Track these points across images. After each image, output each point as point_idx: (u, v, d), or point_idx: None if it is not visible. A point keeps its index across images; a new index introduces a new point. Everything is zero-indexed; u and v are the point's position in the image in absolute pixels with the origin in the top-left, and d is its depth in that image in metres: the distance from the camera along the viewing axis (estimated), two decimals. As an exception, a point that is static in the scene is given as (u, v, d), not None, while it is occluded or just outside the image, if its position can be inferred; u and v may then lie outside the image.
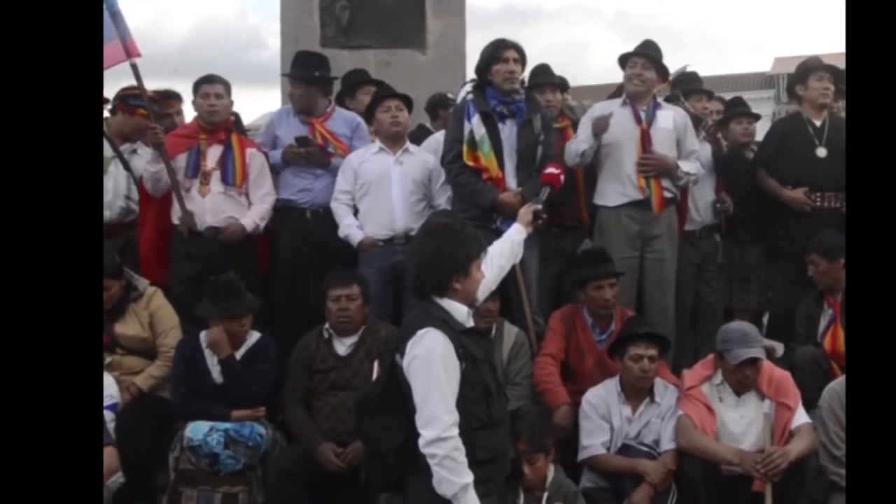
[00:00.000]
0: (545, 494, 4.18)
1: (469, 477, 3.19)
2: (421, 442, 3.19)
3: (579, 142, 5.42)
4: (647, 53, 5.50)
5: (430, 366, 3.21)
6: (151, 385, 4.95)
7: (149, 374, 4.98)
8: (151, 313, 5.08)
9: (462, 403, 3.24)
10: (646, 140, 5.42)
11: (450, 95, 6.58)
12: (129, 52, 5.42)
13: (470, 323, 3.40)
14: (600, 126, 5.38)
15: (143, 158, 5.73)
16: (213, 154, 5.56)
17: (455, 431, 3.19)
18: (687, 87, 6.34)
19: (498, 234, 4.65)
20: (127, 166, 5.82)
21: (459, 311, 3.36)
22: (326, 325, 4.86)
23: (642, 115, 5.46)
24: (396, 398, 3.31)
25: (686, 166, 5.50)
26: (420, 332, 3.25)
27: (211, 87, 5.60)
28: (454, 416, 3.19)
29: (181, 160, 5.55)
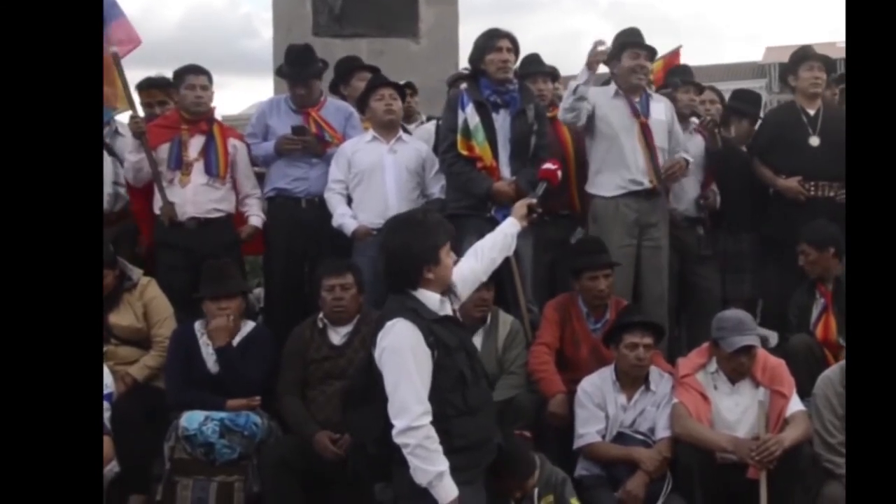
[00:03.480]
0: (535, 491, 4.18)
1: (443, 465, 3.24)
2: (394, 432, 3.25)
3: (571, 83, 5.28)
4: (648, 45, 5.49)
5: (399, 356, 3.27)
6: (146, 375, 4.94)
7: (144, 363, 4.97)
8: (146, 304, 5.07)
9: (436, 392, 3.30)
10: (647, 133, 5.41)
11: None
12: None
13: (444, 311, 3.43)
14: (597, 56, 5.17)
15: (127, 138, 5.68)
16: (196, 145, 5.56)
17: (425, 420, 3.24)
18: (678, 78, 6.34)
19: (492, 222, 4.68)
20: (111, 151, 5.79)
21: (431, 299, 3.41)
22: (320, 315, 4.84)
23: (638, 107, 5.45)
24: (377, 389, 3.35)
25: (688, 156, 5.58)
26: (389, 324, 3.32)
27: (197, 78, 5.60)
28: (424, 406, 3.25)
29: (163, 151, 5.53)
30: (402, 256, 3.43)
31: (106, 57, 5.39)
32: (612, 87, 5.50)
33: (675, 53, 8.06)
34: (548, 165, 4.49)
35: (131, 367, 4.95)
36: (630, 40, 5.50)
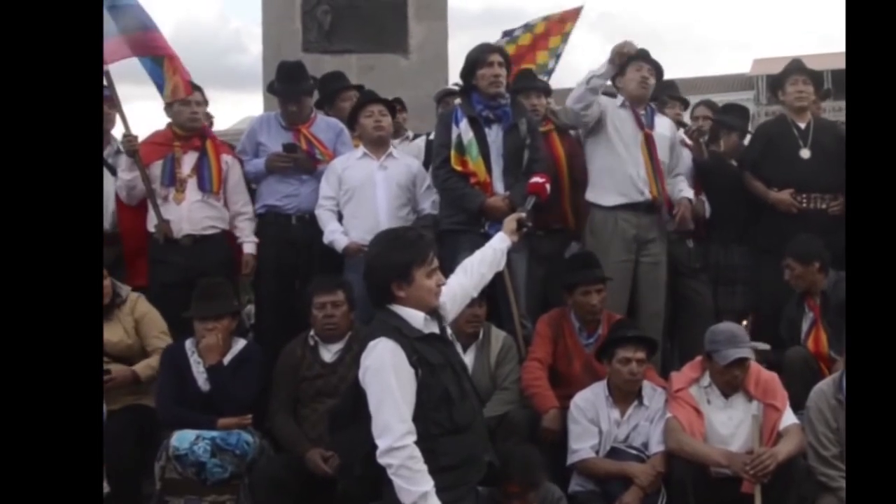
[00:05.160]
0: None
1: (427, 485, 3.22)
2: (377, 452, 3.24)
3: (592, 75, 5.24)
4: (654, 60, 5.52)
5: (382, 376, 3.26)
6: (149, 375, 4.91)
7: (147, 364, 4.94)
8: (137, 319, 5.04)
9: (420, 410, 3.28)
10: (651, 145, 5.43)
11: None
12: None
13: (429, 329, 3.41)
14: (627, 49, 5.20)
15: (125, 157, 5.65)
16: (189, 161, 5.55)
17: (409, 440, 3.23)
18: (664, 93, 6.35)
19: (486, 237, 4.65)
20: (114, 171, 5.77)
21: (415, 317, 3.38)
22: (312, 332, 4.82)
23: (643, 119, 5.48)
24: (363, 409, 3.33)
25: (687, 192, 5.63)
26: (371, 344, 3.32)
27: (192, 94, 5.59)
28: (407, 425, 3.24)
29: (156, 168, 5.52)
30: (374, 270, 3.44)
31: (169, 50, 5.49)
32: (620, 98, 5.53)
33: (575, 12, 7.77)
34: (536, 179, 4.49)
35: (135, 364, 4.92)
36: (641, 55, 5.53)
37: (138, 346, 5.03)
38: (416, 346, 3.31)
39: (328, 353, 4.77)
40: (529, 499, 4.10)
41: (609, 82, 5.54)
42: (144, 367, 4.93)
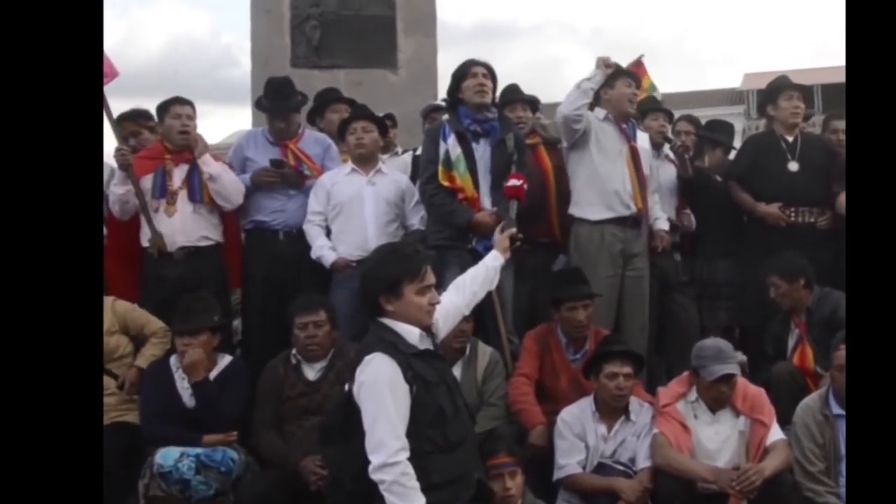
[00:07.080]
0: None
1: (419, 501, 3.22)
2: (370, 468, 3.23)
3: (582, 80, 5.29)
4: (636, 75, 5.57)
5: (377, 391, 3.26)
6: (153, 363, 4.93)
7: (148, 353, 4.98)
8: (122, 315, 5.06)
9: (414, 427, 3.28)
10: (636, 158, 5.45)
11: None
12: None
13: (424, 345, 3.40)
14: (606, 62, 5.31)
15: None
16: (179, 174, 5.54)
17: (402, 457, 3.23)
18: (650, 105, 6.35)
19: (473, 253, 4.67)
20: None
21: (411, 333, 3.38)
22: (293, 351, 4.80)
23: (627, 132, 5.50)
24: (356, 424, 3.33)
25: (662, 223, 5.72)
26: (367, 358, 3.31)
27: (182, 108, 5.60)
28: (401, 442, 3.23)
29: (147, 181, 5.51)
30: (366, 282, 3.47)
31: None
32: (602, 111, 5.53)
33: (638, 63, 7.95)
34: (512, 182, 4.48)
35: (136, 358, 4.96)
36: (627, 71, 5.60)
37: (112, 345, 4.98)
38: (411, 362, 3.31)
39: (311, 371, 4.75)
40: (518, 480, 4.08)
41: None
42: (147, 359, 4.95)
